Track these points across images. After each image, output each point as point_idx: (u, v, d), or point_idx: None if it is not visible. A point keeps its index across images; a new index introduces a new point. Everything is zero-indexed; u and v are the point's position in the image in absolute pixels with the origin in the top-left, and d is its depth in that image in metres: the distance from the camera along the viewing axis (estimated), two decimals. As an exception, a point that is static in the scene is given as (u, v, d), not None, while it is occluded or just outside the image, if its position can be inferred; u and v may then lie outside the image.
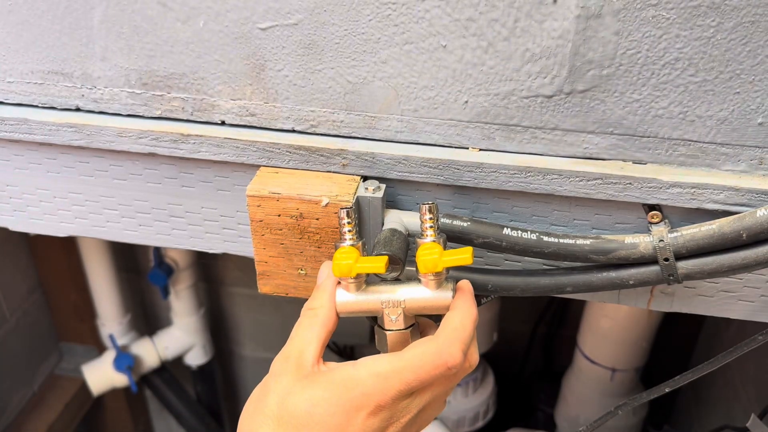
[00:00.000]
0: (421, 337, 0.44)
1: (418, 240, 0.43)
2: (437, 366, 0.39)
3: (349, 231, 0.44)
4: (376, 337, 0.45)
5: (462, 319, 0.41)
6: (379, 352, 0.43)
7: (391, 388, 0.39)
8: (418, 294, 0.43)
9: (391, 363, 0.39)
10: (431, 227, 0.43)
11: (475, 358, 0.43)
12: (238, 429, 0.40)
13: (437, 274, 0.42)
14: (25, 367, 1.32)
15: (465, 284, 0.44)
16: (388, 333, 0.43)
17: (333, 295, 0.43)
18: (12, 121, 0.54)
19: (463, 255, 0.41)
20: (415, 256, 0.42)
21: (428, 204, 0.43)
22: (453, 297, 0.43)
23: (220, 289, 1.46)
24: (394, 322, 0.43)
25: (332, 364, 0.41)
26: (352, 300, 0.43)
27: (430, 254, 0.42)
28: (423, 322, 0.46)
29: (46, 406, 1.31)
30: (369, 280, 0.44)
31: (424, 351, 0.40)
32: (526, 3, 0.43)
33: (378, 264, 0.42)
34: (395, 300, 0.43)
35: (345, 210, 0.43)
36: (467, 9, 0.44)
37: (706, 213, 0.47)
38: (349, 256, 0.42)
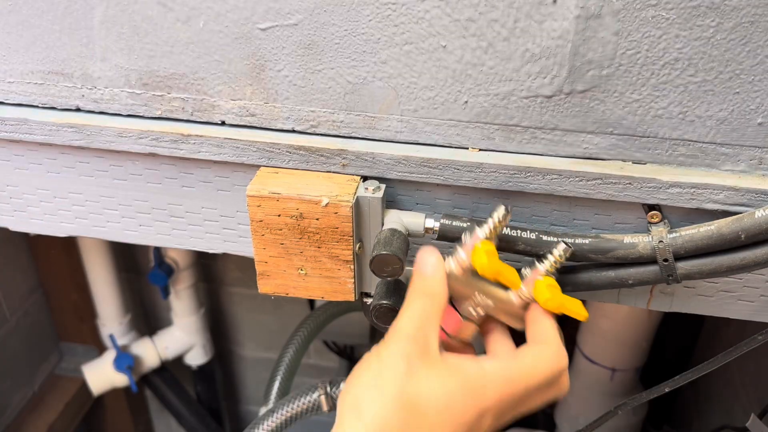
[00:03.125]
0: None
1: (536, 262, 0.45)
2: (555, 370, 0.40)
3: (492, 229, 0.44)
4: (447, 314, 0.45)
5: (554, 324, 0.43)
6: None
7: (516, 393, 0.39)
8: (507, 304, 0.45)
9: (519, 367, 0.40)
10: (554, 263, 0.45)
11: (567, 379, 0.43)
12: (341, 399, 0.39)
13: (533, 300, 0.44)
14: (26, 367, 1.32)
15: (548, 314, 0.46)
16: (462, 320, 0.45)
17: (445, 283, 0.43)
18: (12, 122, 0.54)
19: (581, 311, 0.44)
20: (525, 276, 0.45)
21: (564, 246, 0.45)
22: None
23: (220, 289, 1.46)
24: (472, 314, 0.45)
25: (453, 358, 0.40)
26: (454, 279, 0.44)
27: (553, 293, 0.44)
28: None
29: (46, 406, 1.32)
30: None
31: (543, 355, 0.41)
32: (525, 3, 0.43)
33: (514, 280, 0.44)
34: (485, 298, 0.44)
35: (502, 210, 0.44)
36: (467, 9, 0.44)
37: (705, 213, 0.47)
38: (494, 257, 0.43)
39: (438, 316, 0.41)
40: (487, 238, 0.44)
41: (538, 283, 0.44)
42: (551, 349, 0.41)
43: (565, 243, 0.45)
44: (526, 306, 0.45)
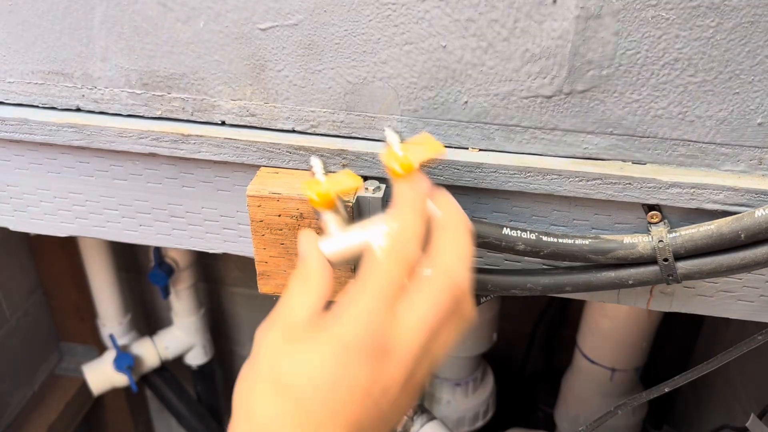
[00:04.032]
0: None
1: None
2: (400, 263, 0.36)
3: (321, 170, 0.42)
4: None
5: (406, 215, 0.38)
6: None
7: (381, 305, 0.35)
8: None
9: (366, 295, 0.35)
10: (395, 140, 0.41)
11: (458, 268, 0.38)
12: (233, 402, 0.37)
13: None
14: (26, 366, 1.32)
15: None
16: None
17: (321, 257, 0.39)
18: (12, 122, 0.54)
19: (432, 143, 0.40)
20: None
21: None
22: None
23: (220, 289, 1.46)
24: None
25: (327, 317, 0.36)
26: (340, 244, 0.40)
27: (402, 160, 0.40)
28: None
29: (46, 406, 1.32)
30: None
31: (378, 260, 0.36)
32: (525, 3, 0.43)
33: (352, 178, 0.40)
34: (382, 230, 0.40)
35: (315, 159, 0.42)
36: (467, 9, 0.44)
37: (705, 213, 0.47)
38: (317, 183, 0.41)
39: (312, 290, 0.37)
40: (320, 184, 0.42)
41: (386, 155, 0.41)
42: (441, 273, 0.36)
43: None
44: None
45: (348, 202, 0.47)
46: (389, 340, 0.34)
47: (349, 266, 0.45)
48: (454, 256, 0.37)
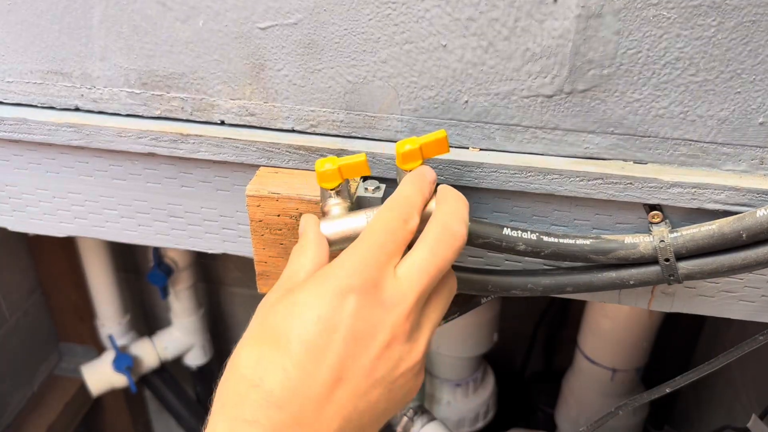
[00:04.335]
0: None
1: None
2: (396, 215, 0.37)
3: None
4: None
5: (454, 194, 0.40)
6: None
7: (373, 263, 0.35)
8: None
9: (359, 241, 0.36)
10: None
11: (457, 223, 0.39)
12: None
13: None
14: (25, 367, 1.32)
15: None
16: None
17: (318, 232, 0.40)
18: (11, 121, 0.54)
19: (439, 133, 0.41)
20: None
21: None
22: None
23: (219, 290, 1.45)
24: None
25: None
26: (339, 223, 0.41)
27: (408, 143, 0.41)
28: None
29: (45, 407, 1.31)
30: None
31: (435, 234, 0.37)
32: (526, 2, 0.43)
33: (361, 160, 0.41)
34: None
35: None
36: (467, 8, 0.44)
37: (707, 213, 0.47)
38: (329, 161, 0.41)
39: (311, 255, 0.38)
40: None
41: (396, 149, 0.42)
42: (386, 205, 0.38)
43: None
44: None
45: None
46: (385, 287, 0.34)
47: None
48: (451, 211, 0.38)
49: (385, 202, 0.40)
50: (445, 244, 0.36)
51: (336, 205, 0.43)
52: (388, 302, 0.33)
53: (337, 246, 0.41)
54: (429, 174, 0.41)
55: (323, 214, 0.43)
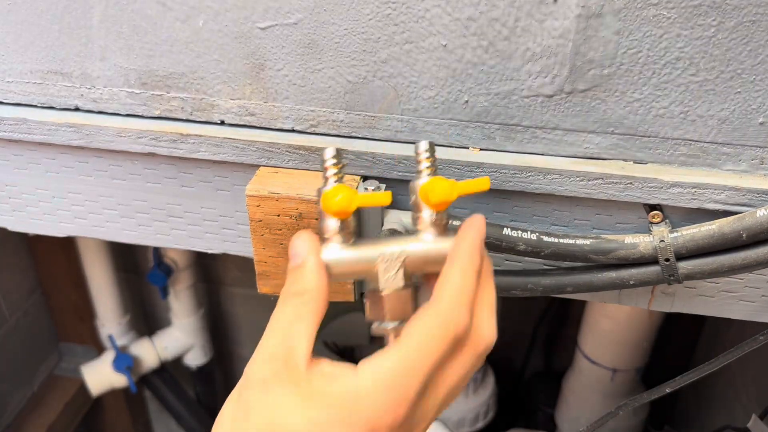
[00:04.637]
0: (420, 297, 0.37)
1: (415, 183, 0.38)
2: (446, 341, 0.32)
3: (336, 174, 0.37)
4: (368, 305, 0.37)
5: (463, 271, 0.33)
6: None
7: (405, 398, 0.31)
8: (420, 243, 0.36)
9: (397, 362, 0.31)
10: (429, 167, 0.37)
11: (490, 329, 0.34)
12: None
13: (443, 216, 0.36)
14: (25, 367, 1.32)
15: (473, 221, 0.36)
16: (385, 295, 0.36)
17: (321, 273, 0.35)
18: (11, 121, 0.54)
19: (480, 180, 0.36)
20: (413, 201, 0.37)
21: (426, 142, 0.38)
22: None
23: (219, 289, 1.45)
24: (393, 279, 0.36)
25: (328, 368, 0.33)
26: (346, 257, 0.36)
27: (440, 183, 0.35)
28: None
29: (45, 407, 1.31)
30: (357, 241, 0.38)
31: (427, 329, 0.32)
32: (526, 2, 0.43)
33: (383, 198, 0.35)
34: (395, 251, 0.36)
35: (332, 150, 0.37)
36: (467, 8, 0.44)
37: (707, 213, 0.47)
38: (343, 191, 0.35)
39: (310, 318, 0.34)
40: (334, 185, 0.37)
41: (424, 186, 0.36)
42: (435, 315, 0.32)
43: (422, 141, 0.38)
44: (441, 233, 0.37)
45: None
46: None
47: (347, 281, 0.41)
48: (453, 297, 0.33)
49: (434, 299, 0.33)
50: (439, 340, 0.32)
51: (337, 229, 0.37)
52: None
53: (338, 278, 0.37)
54: (481, 238, 0.35)
55: (322, 238, 0.38)
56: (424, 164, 0.38)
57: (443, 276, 0.34)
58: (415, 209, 0.38)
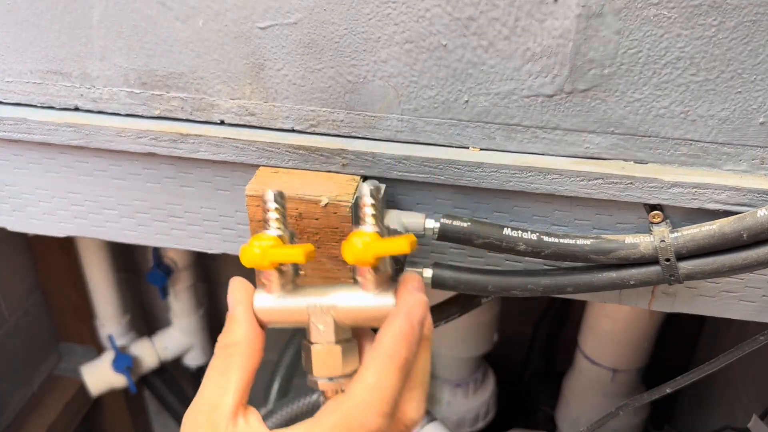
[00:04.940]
0: (360, 351, 0.36)
1: (355, 227, 0.36)
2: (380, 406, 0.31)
3: (277, 219, 0.36)
4: (303, 355, 0.37)
5: (382, 369, 0.32)
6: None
7: None
8: (354, 298, 0.35)
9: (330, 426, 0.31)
10: (373, 214, 0.35)
11: (413, 413, 0.33)
12: None
13: (374, 271, 0.34)
14: (25, 367, 1.32)
15: (406, 298, 0.34)
16: (313, 347, 0.35)
17: (250, 325, 0.35)
18: (10, 121, 0.54)
19: (400, 242, 0.33)
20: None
21: (372, 186, 0.36)
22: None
23: (219, 290, 1.45)
24: (322, 332, 0.35)
25: (248, 428, 0.32)
26: (276, 307, 0.35)
27: (360, 239, 0.34)
28: (360, 333, 0.38)
29: (45, 407, 1.31)
30: (299, 285, 0.37)
31: (332, 427, 0.31)
32: (526, 2, 0.43)
33: (298, 251, 0.33)
34: (323, 305, 0.35)
35: (273, 193, 0.36)
36: (468, 8, 0.44)
37: (707, 213, 0.47)
38: (266, 241, 0.34)
39: (238, 370, 0.34)
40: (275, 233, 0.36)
41: (345, 243, 0.35)
42: (341, 415, 0.31)
43: (367, 185, 0.36)
44: (379, 286, 0.35)
45: (347, 202, 0.47)
46: None
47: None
48: (365, 398, 0.32)
49: (346, 393, 0.32)
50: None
51: (277, 278, 0.36)
52: None
53: (271, 326, 0.36)
54: (410, 324, 0.33)
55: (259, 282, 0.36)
56: (365, 210, 0.36)
57: (362, 368, 0.33)
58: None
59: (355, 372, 0.34)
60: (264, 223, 0.37)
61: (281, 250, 0.34)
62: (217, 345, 0.36)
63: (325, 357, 0.35)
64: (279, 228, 0.36)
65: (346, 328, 0.36)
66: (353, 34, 0.47)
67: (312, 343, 0.35)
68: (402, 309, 0.34)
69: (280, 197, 0.37)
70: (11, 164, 0.59)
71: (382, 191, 0.49)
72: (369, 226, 0.35)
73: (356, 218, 0.36)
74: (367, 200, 0.36)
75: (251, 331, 0.35)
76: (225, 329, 0.35)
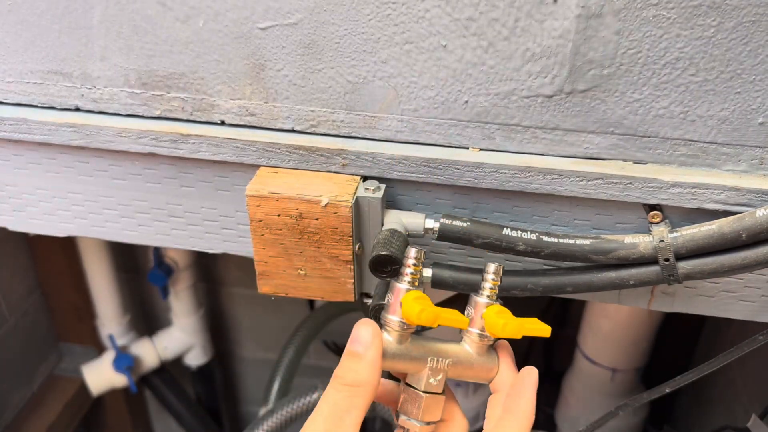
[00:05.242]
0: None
1: (478, 300, 0.40)
2: None
3: (413, 274, 0.39)
4: (402, 399, 0.40)
5: (526, 429, 0.37)
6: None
7: None
8: (464, 357, 0.40)
9: None
10: (491, 288, 0.40)
11: None
12: None
13: (485, 337, 0.40)
14: (25, 367, 1.32)
15: (506, 349, 0.39)
16: (426, 396, 0.38)
17: (378, 368, 0.36)
18: (11, 121, 0.54)
19: (542, 327, 0.39)
20: (470, 314, 0.40)
21: (496, 264, 0.40)
22: (497, 367, 0.40)
23: (220, 289, 1.45)
24: (433, 385, 0.39)
25: None
26: (399, 354, 0.38)
27: (511, 323, 0.38)
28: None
29: (45, 407, 1.31)
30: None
31: None
32: (526, 2, 0.43)
33: (464, 320, 0.38)
34: (442, 361, 0.39)
35: (415, 249, 0.39)
36: (467, 8, 0.44)
37: (706, 213, 0.47)
38: (427, 302, 0.37)
39: (360, 411, 0.35)
40: (410, 288, 0.39)
41: (487, 314, 0.39)
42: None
43: (494, 263, 0.41)
44: (484, 350, 0.40)
45: (347, 202, 0.47)
46: None
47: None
48: None
49: None
50: None
51: (400, 330, 0.38)
52: None
53: (386, 369, 0.38)
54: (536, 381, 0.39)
55: (381, 325, 0.39)
56: (488, 285, 0.41)
57: (503, 425, 0.37)
58: (470, 322, 0.40)
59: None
60: (402, 277, 0.39)
61: (450, 316, 0.38)
62: (340, 381, 0.36)
63: (430, 405, 0.39)
64: (413, 282, 0.39)
65: (448, 381, 0.40)
66: (353, 34, 0.47)
67: (425, 392, 0.39)
68: (530, 377, 0.39)
69: (423, 254, 0.40)
70: (12, 164, 0.59)
71: (383, 190, 0.49)
72: (489, 297, 0.40)
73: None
74: (491, 275, 0.41)
75: (378, 375, 0.36)
76: (349, 367, 0.36)
